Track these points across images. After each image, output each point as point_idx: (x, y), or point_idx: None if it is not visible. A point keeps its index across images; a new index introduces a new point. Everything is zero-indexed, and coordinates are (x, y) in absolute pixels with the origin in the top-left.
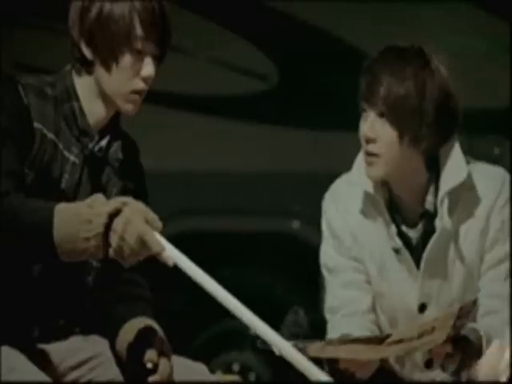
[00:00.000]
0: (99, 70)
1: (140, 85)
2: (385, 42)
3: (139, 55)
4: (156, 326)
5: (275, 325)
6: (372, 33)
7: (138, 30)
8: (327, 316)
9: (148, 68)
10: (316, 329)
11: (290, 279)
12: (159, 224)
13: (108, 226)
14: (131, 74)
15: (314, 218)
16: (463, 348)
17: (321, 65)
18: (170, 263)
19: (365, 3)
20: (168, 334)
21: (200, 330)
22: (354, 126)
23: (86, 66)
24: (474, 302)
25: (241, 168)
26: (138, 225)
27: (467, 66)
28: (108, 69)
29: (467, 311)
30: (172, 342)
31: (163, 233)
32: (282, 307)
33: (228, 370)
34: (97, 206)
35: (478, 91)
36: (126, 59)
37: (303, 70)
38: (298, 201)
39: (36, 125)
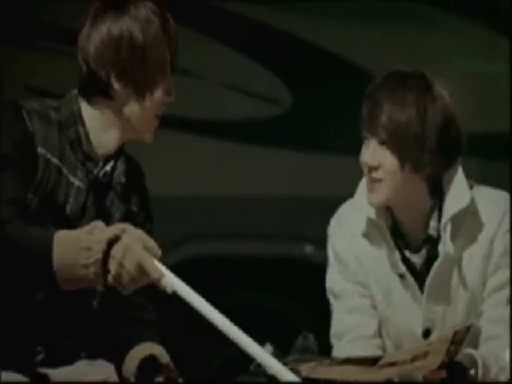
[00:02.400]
0: (126, 100)
1: (162, 109)
2: (398, 65)
3: (167, 79)
4: (163, 352)
5: (285, 350)
6: (386, 57)
7: (168, 56)
8: (333, 341)
9: (173, 92)
10: (326, 354)
11: (300, 304)
12: (158, 251)
13: (107, 253)
14: (161, 100)
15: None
16: (457, 374)
17: (334, 89)
18: (170, 290)
19: (376, 27)
20: (184, 358)
21: (214, 354)
22: None
23: (104, 96)
24: (468, 328)
25: (253, 192)
26: (137, 252)
27: (476, 87)
28: (141, 98)
29: (461, 337)
30: (188, 366)
31: (178, 257)
32: (291, 332)
33: None
34: (96, 233)
35: (489, 114)
36: (159, 86)
37: (316, 94)
38: (310, 225)
39: (40, 150)
